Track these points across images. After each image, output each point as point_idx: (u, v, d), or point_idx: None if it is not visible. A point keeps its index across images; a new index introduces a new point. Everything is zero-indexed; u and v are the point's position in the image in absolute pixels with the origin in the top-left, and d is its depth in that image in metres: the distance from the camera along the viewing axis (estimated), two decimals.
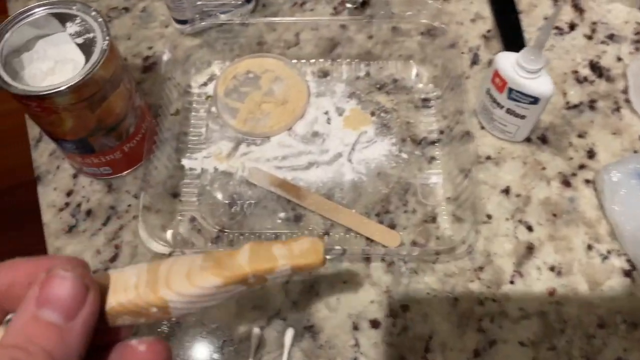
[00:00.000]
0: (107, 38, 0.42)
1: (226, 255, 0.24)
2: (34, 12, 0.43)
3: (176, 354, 0.44)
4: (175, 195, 0.50)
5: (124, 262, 0.47)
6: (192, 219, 0.49)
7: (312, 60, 0.57)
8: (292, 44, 0.58)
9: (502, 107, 0.48)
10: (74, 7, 0.43)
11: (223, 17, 0.56)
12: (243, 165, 0.51)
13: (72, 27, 0.43)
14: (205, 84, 0.56)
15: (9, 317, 0.22)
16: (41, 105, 0.40)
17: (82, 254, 0.48)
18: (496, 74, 0.47)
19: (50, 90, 0.39)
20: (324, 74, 0.56)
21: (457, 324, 0.45)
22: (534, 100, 0.46)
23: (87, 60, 0.41)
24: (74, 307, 0.20)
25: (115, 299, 0.23)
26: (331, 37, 0.58)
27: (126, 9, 0.61)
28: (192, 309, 0.24)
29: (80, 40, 0.42)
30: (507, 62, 0.46)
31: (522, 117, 0.48)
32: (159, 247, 0.46)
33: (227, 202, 0.50)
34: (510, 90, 0.46)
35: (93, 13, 0.43)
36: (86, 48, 0.42)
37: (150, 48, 0.58)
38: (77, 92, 0.40)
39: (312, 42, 0.58)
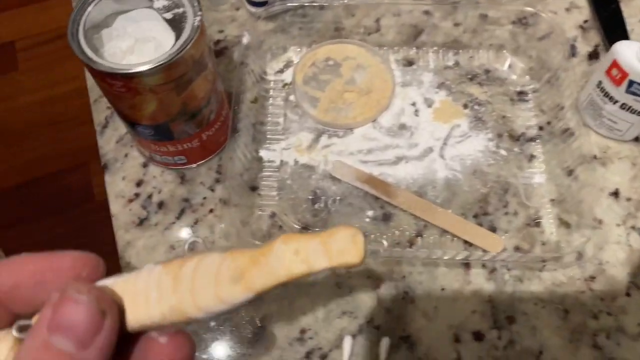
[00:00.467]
0: (198, 14, 0.38)
1: (257, 258, 0.21)
2: None
3: None
4: (254, 188, 0.46)
5: None
6: (272, 215, 0.45)
7: (395, 48, 0.53)
8: (373, 30, 0.54)
9: (616, 101, 0.44)
10: None
11: (303, 1, 0.52)
12: (325, 159, 0.47)
13: (159, 1, 0.39)
14: (281, 71, 0.52)
15: (21, 322, 0.21)
16: (127, 85, 0.37)
17: (154, 250, 0.44)
18: (615, 65, 0.43)
19: (139, 68, 0.36)
20: (409, 62, 0.52)
21: (569, 339, 0.40)
22: None
23: (177, 37, 0.37)
24: (88, 335, 0.19)
25: (136, 319, 0.21)
26: (414, 24, 0.54)
27: None
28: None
29: (169, 15, 0.38)
30: (630, 51, 0.42)
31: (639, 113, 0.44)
32: (238, 244, 0.42)
33: (309, 197, 0.46)
34: (631, 82, 0.42)
35: None
36: (175, 24, 0.38)
37: (221, 32, 0.54)
38: (167, 72, 0.37)
39: (394, 28, 0.54)
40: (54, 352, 0.18)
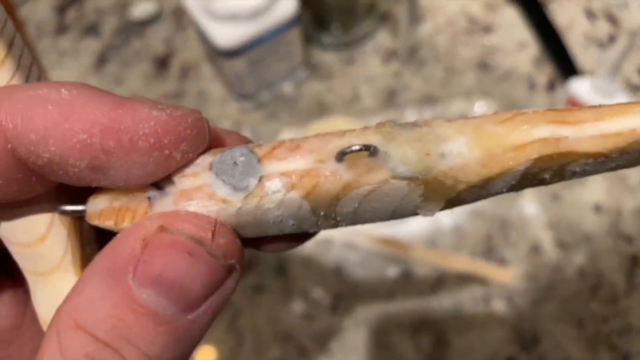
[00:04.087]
0: None
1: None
2: None
3: None
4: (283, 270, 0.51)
5: None
6: (303, 292, 0.50)
7: (376, 113, 0.59)
8: (352, 100, 0.60)
9: None
10: None
11: (284, 87, 0.57)
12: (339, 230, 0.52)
13: None
14: None
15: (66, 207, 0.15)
16: None
17: None
18: (571, 101, 0.49)
19: None
20: None
21: (588, 346, 0.46)
22: None
23: None
24: (200, 298, 0.13)
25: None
26: (388, 87, 0.60)
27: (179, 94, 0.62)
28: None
29: None
30: (581, 88, 0.49)
31: None
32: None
33: (333, 268, 0.51)
34: None
35: None
36: None
37: None
38: None
39: (370, 95, 0.60)
40: (142, 312, 0.12)
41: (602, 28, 0.62)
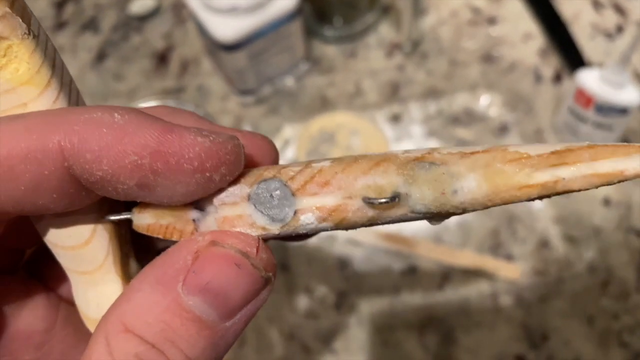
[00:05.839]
0: None
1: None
2: None
3: None
4: (286, 267, 0.50)
5: None
6: (307, 289, 0.49)
7: (380, 107, 0.57)
8: (355, 94, 0.59)
9: (588, 122, 0.49)
10: None
11: (286, 81, 0.56)
12: None
13: None
14: (280, 151, 0.56)
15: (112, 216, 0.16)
16: None
17: None
18: (580, 93, 0.48)
19: None
20: (395, 118, 0.57)
21: (598, 343, 0.45)
22: (623, 110, 0.47)
23: None
24: (240, 306, 0.15)
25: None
26: (391, 81, 0.59)
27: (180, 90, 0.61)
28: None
29: None
30: (590, 79, 0.47)
31: (610, 128, 0.49)
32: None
33: (337, 265, 0.50)
34: (598, 105, 0.47)
35: None
36: None
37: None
38: None
39: (373, 89, 0.59)
40: (189, 318, 0.14)
41: (610, 18, 0.61)
